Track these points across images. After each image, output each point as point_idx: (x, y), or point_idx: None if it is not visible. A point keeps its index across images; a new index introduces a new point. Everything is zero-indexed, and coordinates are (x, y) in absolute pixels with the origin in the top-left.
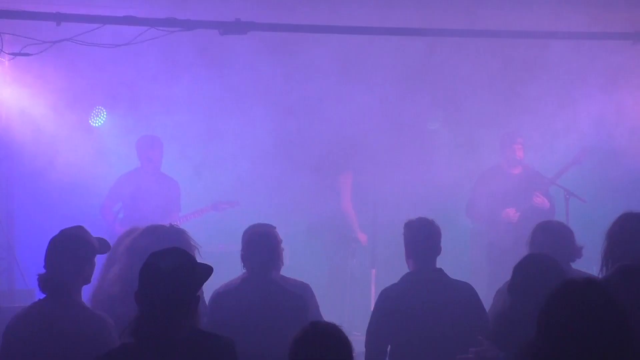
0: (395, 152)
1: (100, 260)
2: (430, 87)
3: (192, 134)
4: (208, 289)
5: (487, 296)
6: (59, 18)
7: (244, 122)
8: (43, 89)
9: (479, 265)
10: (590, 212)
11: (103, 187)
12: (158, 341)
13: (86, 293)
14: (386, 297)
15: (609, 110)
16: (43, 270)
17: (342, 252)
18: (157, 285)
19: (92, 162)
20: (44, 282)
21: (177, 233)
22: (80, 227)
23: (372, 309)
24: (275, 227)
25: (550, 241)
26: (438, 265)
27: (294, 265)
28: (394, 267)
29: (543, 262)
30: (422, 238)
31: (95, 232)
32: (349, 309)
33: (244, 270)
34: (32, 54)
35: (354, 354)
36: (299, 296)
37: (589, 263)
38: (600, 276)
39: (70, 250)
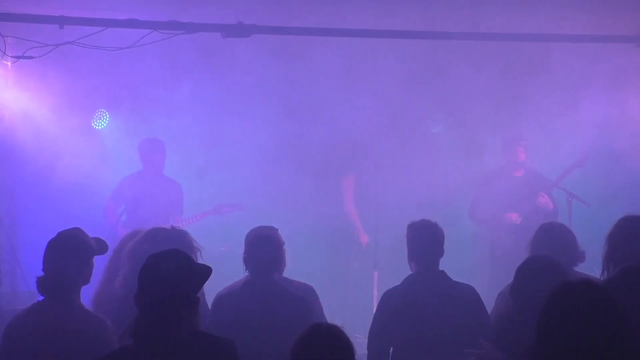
0: (398, 154)
1: (99, 260)
2: (433, 90)
3: (195, 136)
4: (211, 292)
5: (489, 298)
6: (62, 21)
7: (246, 124)
8: (46, 92)
9: (481, 267)
10: (593, 215)
11: (106, 190)
12: (158, 342)
13: (87, 294)
14: (388, 299)
15: (612, 113)
16: (42, 273)
17: (344, 254)
18: (156, 287)
19: (94, 165)
20: (42, 284)
21: (179, 235)
22: (77, 229)
23: (374, 310)
24: (277, 230)
25: (552, 243)
26: (440, 268)
27: (297, 267)
28: (397, 269)
29: (545, 264)
30: (425, 240)
31: (98, 234)
32: (351, 310)
33: (247, 273)
34: (35, 57)
35: (356, 356)
36: (301, 298)
37: (592, 266)
38: (601, 279)
39: (68, 252)
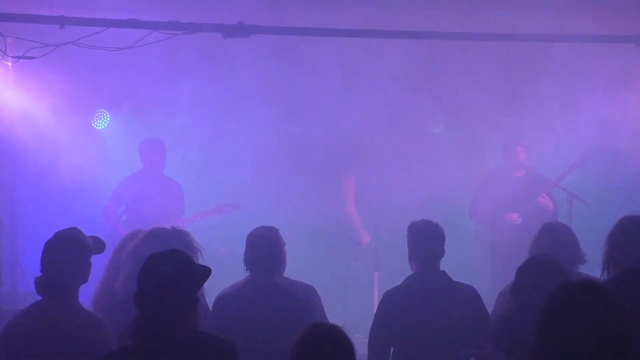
0: (398, 154)
1: (97, 259)
2: (434, 89)
3: (195, 136)
4: (212, 292)
5: (489, 298)
6: (63, 21)
7: (247, 124)
8: (46, 92)
9: (481, 267)
10: (594, 215)
11: (106, 190)
12: (157, 343)
13: (87, 294)
14: (389, 299)
15: (613, 113)
16: (40, 274)
17: (345, 254)
18: (155, 287)
19: (95, 165)
20: (40, 284)
21: (180, 235)
22: (74, 228)
23: (375, 311)
24: (278, 230)
25: (554, 243)
26: (441, 268)
27: (297, 267)
28: (397, 269)
29: (546, 264)
30: (426, 240)
31: (99, 234)
32: (351, 311)
33: (247, 273)
34: (35, 57)
35: (356, 356)
36: (301, 299)
37: (593, 266)
38: (601, 279)
39: (66, 252)
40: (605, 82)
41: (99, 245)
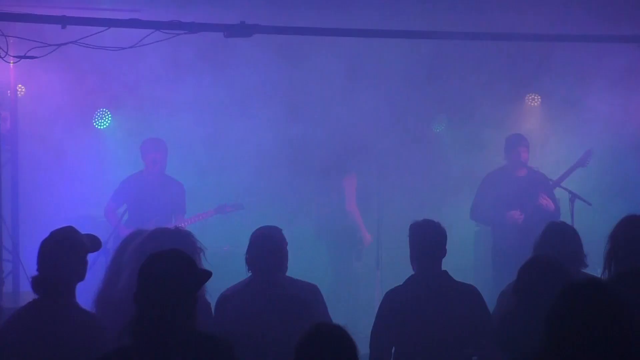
0: (400, 154)
1: (98, 259)
2: (436, 89)
3: (197, 136)
4: (214, 292)
5: (491, 298)
6: (65, 21)
7: (249, 124)
8: (47, 92)
9: (483, 267)
10: (596, 215)
11: (107, 190)
12: (156, 342)
13: (87, 294)
14: (391, 299)
15: (615, 112)
16: (36, 273)
17: (347, 253)
18: (155, 286)
19: (96, 165)
20: (37, 284)
21: (183, 236)
22: (69, 227)
23: (376, 310)
24: (281, 229)
25: (558, 243)
26: (443, 267)
27: (300, 267)
28: (399, 269)
29: (548, 264)
30: (428, 240)
31: (100, 234)
32: (353, 310)
33: (249, 273)
34: (37, 57)
35: (358, 356)
36: (304, 298)
37: (594, 265)
38: (602, 278)
39: (62, 251)
40: (608, 82)
41: (94, 244)
